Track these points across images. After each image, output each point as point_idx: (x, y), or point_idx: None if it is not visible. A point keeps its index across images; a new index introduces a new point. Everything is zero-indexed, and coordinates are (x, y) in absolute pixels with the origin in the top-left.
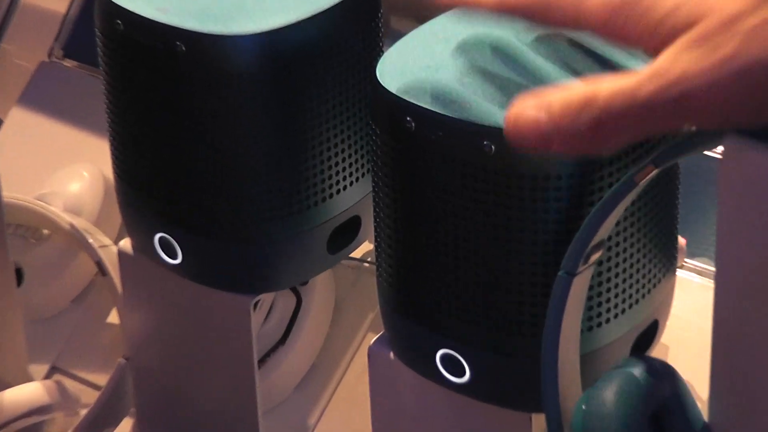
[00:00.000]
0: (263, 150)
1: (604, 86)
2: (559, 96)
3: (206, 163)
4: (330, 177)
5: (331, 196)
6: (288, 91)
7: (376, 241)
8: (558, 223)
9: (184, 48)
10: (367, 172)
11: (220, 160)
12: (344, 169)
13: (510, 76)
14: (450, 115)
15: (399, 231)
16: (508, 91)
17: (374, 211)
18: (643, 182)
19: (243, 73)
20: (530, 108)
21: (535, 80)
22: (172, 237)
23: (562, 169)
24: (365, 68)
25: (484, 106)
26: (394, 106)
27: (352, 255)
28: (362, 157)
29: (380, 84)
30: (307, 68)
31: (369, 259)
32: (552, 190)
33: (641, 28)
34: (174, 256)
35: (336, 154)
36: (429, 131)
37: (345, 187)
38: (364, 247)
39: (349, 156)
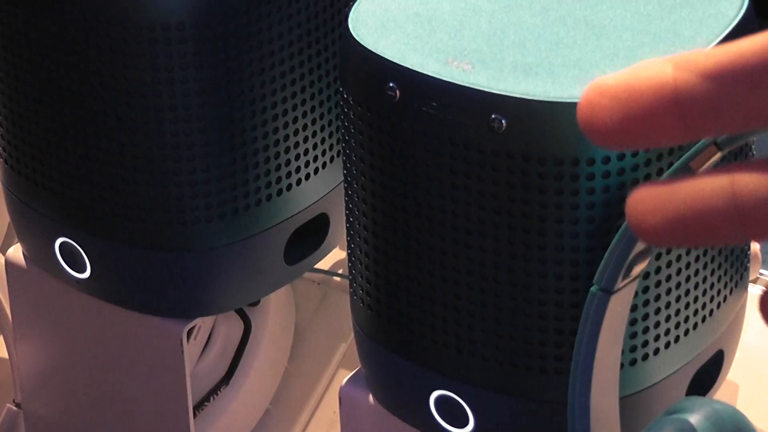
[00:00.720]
0: (196, 127)
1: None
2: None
3: (121, 144)
4: (287, 163)
5: (288, 188)
6: (229, 48)
7: (349, 247)
8: (591, 223)
9: None
10: (337, 155)
11: (139, 140)
12: (306, 151)
13: (529, 26)
14: (446, 79)
15: (380, 234)
16: (525, 47)
17: (346, 207)
18: (704, 169)
19: (170, 24)
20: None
21: (562, 31)
22: (78, 243)
23: (596, 150)
24: (333, 17)
25: (493, 68)
26: (373, 67)
27: (318, 266)
28: (330, 136)
29: (353, 38)
30: (254, 17)
31: (340, 272)
32: (583, 180)
33: None
34: (80, 269)
35: (295, 132)
36: (419, 101)
37: (307, 176)
38: (334, 256)
39: (313, 135)
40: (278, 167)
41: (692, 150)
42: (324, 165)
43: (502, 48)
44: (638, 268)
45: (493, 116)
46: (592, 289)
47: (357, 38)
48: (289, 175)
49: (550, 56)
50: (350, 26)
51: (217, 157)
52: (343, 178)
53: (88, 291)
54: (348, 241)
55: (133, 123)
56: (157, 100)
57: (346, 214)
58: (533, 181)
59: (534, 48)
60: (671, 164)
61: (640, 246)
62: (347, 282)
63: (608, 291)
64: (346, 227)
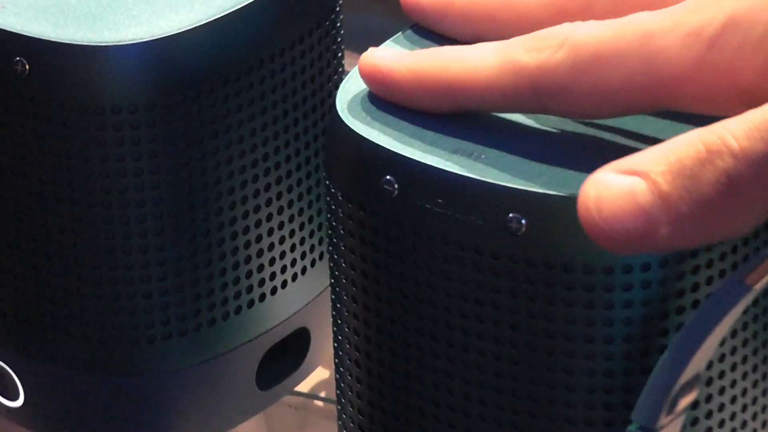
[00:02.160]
0: (151, 227)
1: (731, 125)
2: (660, 151)
3: (62, 249)
4: (260, 268)
5: (262, 298)
6: (190, 134)
7: (337, 371)
8: (628, 342)
9: (28, 66)
10: (320, 258)
11: (83, 243)
12: (283, 254)
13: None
14: (454, 171)
15: (374, 355)
16: (548, 136)
17: (334, 323)
18: (761, 285)
19: (121, 106)
20: (617, 177)
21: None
22: (9, 366)
23: (633, 256)
24: (316, 96)
25: (508, 159)
26: (366, 157)
27: (298, 389)
28: (311, 235)
29: (342, 122)
30: (221, 96)
31: (323, 394)
32: (618, 291)
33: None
34: (12, 396)
35: (269, 232)
36: (422, 198)
37: (284, 284)
38: (315, 376)
39: (291, 234)
40: (249, 273)
41: (749, 264)
42: (304, 270)
43: (518, 134)
44: (685, 401)
45: (510, 215)
46: (631, 427)
47: (346, 122)
48: (262, 282)
49: (574, 147)
50: (338, 107)
51: (176, 263)
52: (327, 285)
53: (20, 421)
54: (336, 363)
55: (76, 223)
56: (105, 196)
57: (334, 331)
58: (558, 292)
59: (557, 138)
60: (723, 272)
61: (687, 374)
62: (331, 406)
63: (650, 430)
64: (334, 347)
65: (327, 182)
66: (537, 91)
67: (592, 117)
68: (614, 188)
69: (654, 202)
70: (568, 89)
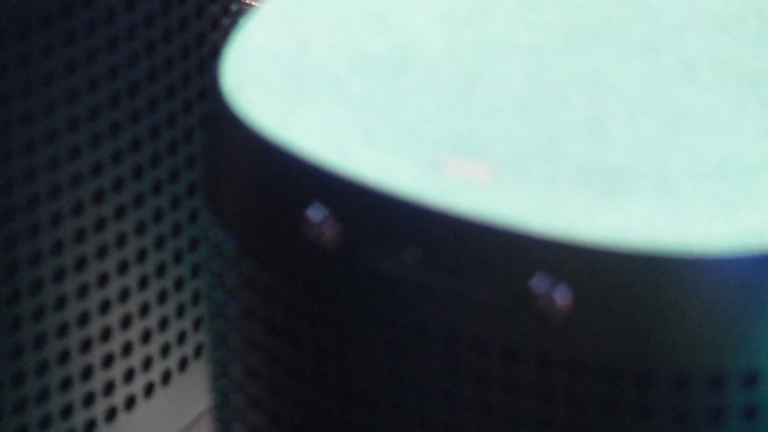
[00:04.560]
0: None
1: None
2: None
3: None
4: (86, 373)
5: (89, 429)
6: None
7: None
8: None
9: None
10: (196, 357)
11: None
12: (128, 348)
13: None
14: (434, 206)
15: None
16: (579, 131)
17: None
18: None
19: None
20: None
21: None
22: None
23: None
24: (190, 58)
25: (528, 174)
26: (277, 176)
27: None
28: (180, 314)
29: (231, 111)
30: (17, 54)
31: None
32: (732, 412)
33: None
34: None
35: (103, 308)
36: (377, 251)
37: (130, 403)
38: None
39: (143, 311)
40: (67, 383)
41: None
42: (167, 377)
43: (530, 129)
44: None
45: (535, 280)
46: None
47: (237, 113)
48: (90, 400)
49: (638, 146)
50: (222, 88)
51: None
52: (203, 410)
53: None
54: None
55: None
56: None
57: None
58: (627, 421)
59: (593, 129)
60: None
61: None
62: None
63: None
64: None
65: (209, 221)
66: None
67: None
68: None
69: None
70: None
